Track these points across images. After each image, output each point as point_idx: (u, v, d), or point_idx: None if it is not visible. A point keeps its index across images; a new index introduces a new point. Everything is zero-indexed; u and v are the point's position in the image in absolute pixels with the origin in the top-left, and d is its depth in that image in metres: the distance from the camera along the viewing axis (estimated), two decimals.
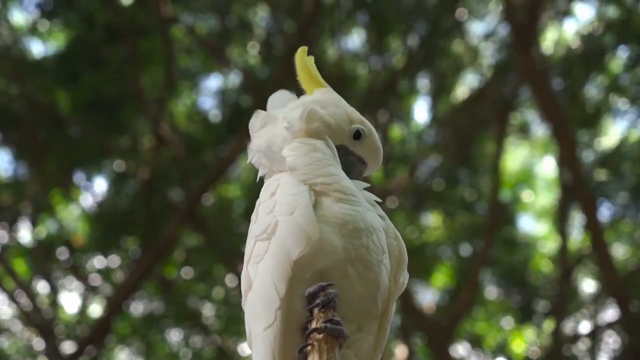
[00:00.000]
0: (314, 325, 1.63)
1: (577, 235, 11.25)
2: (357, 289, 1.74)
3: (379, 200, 1.96)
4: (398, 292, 1.88)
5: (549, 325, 11.26)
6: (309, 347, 1.61)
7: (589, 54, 9.62)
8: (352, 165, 1.99)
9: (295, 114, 1.96)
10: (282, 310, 1.65)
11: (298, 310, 1.67)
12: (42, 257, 10.81)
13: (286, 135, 1.95)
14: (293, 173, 1.84)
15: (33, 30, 10.17)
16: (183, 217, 9.59)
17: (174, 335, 11.95)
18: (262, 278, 1.71)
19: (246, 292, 1.78)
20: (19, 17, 10.25)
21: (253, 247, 1.78)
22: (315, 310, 1.64)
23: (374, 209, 1.91)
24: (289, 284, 1.66)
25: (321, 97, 2.04)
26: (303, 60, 2.09)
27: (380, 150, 2.04)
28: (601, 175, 10.50)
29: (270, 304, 1.66)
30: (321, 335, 1.61)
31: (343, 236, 1.74)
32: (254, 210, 1.87)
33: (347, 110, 2.02)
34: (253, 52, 10.85)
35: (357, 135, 2.00)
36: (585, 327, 11.39)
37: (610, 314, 10.87)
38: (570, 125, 8.88)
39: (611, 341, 10.94)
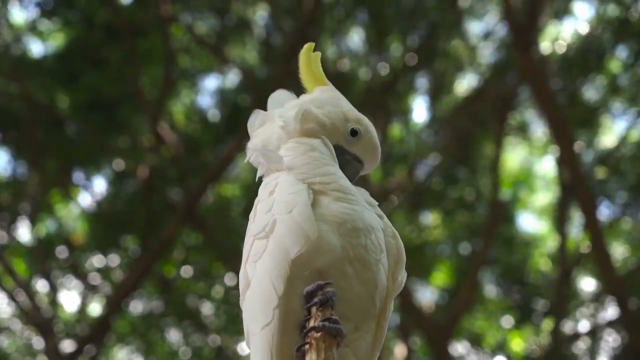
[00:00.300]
0: (311, 323, 1.63)
1: (576, 234, 11.25)
2: (355, 288, 1.74)
3: (376, 202, 1.96)
4: (396, 291, 1.89)
5: (548, 324, 11.26)
6: (307, 346, 1.62)
7: (588, 54, 9.61)
8: (347, 164, 1.98)
9: (291, 113, 1.96)
10: (280, 308, 1.66)
11: (296, 308, 1.67)
12: (41, 256, 10.81)
13: (281, 134, 1.95)
14: (291, 172, 1.84)
15: (33, 29, 10.18)
16: (182, 216, 9.59)
17: (174, 334, 11.95)
18: (260, 277, 1.72)
19: (244, 290, 1.78)
20: (18, 16, 10.27)
21: (251, 246, 1.79)
22: (313, 309, 1.65)
23: (372, 208, 1.91)
24: (287, 283, 1.66)
25: (319, 96, 2.03)
26: (308, 58, 2.08)
27: (377, 149, 2.03)
28: (601, 174, 10.50)
29: (268, 303, 1.67)
30: (319, 334, 1.61)
31: (341, 235, 1.75)
32: (253, 208, 1.88)
33: (344, 109, 2.01)
34: (252, 51, 10.85)
35: (353, 134, 1.99)
36: (584, 326, 11.40)
37: (610, 312, 10.88)
38: (570, 124, 8.88)
39: (611, 340, 10.95)
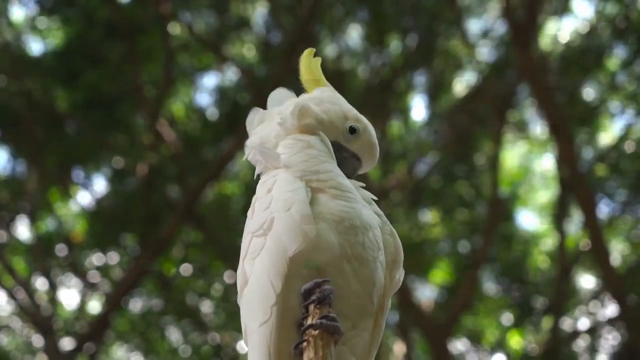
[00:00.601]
0: (309, 321, 1.63)
1: (575, 232, 11.25)
2: (353, 285, 1.74)
3: (375, 198, 1.96)
4: (394, 289, 1.89)
5: (547, 322, 11.26)
6: (305, 343, 1.62)
7: (587, 52, 9.61)
8: (345, 161, 1.98)
9: (289, 110, 1.96)
10: (278, 306, 1.66)
11: (294, 306, 1.68)
12: (41, 254, 10.81)
13: (279, 131, 1.95)
14: (289, 170, 1.84)
15: (32, 27, 10.17)
16: (182, 214, 9.59)
17: (173, 332, 11.95)
18: (258, 274, 1.72)
19: (242, 288, 1.79)
20: (18, 13, 10.27)
21: (249, 243, 1.79)
22: (311, 307, 1.65)
23: (370, 205, 1.91)
24: (285, 281, 1.67)
25: (319, 95, 2.04)
26: (309, 62, 2.09)
27: (375, 147, 2.03)
28: (600, 171, 10.50)
29: (266, 300, 1.67)
30: (317, 332, 1.61)
31: (339, 233, 1.75)
32: (251, 206, 1.88)
33: (343, 108, 2.02)
34: (251, 49, 10.84)
35: (352, 131, 1.99)
36: (584, 323, 11.40)
37: (609, 310, 10.89)
38: (569, 122, 8.88)
39: (610, 337, 10.96)
